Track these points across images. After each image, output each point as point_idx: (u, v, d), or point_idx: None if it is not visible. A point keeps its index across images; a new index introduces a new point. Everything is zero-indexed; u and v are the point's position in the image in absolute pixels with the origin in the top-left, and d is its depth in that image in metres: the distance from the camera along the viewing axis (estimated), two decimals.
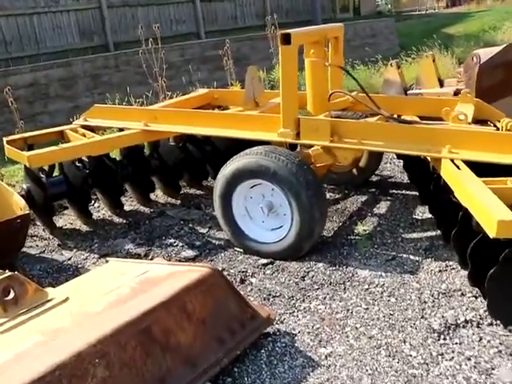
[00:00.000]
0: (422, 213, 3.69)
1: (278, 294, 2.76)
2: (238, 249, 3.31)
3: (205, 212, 4.02)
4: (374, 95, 3.57)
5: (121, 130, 3.99)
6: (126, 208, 4.13)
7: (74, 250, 3.51)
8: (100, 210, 4.24)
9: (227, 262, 3.21)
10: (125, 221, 3.94)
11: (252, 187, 3.16)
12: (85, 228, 3.87)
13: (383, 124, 3.13)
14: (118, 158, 4.12)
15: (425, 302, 2.60)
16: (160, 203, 4.25)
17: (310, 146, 3.37)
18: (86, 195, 3.73)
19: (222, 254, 3.30)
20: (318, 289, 2.80)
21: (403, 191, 4.17)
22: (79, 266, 3.30)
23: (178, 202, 4.26)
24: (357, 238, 3.37)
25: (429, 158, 3.01)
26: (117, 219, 3.99)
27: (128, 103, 5.70)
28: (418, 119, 3.56)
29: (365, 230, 3.47)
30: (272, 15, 7.65)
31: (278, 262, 3.12)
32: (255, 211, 3.21)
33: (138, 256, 3.36)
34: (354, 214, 3.76)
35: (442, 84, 5.09)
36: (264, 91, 3.89)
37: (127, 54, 8.28)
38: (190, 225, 3.80)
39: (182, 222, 3.84)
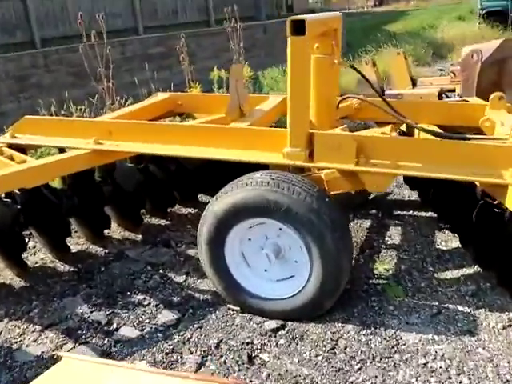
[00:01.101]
0: (445, 241, 3.07)
1: (308, 382, 1.99)
2: (232, 307, 2.51)
3: (176, 251, 3.15)
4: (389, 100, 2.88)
5: (62, 149, 3.05)
6: (73, 248, 3.19)
7: (5, 321, 2.53)
8: (37, 251, 3.26)
9: (221, 328, 2.39)
10: (73, 269, 2.99)
11: (251, 227, 2.37)
12: (18, 282, 2.88)
13: (427, 140, 2.43)
14: (58, 185, 3.17)
15: (508, 382, 1.94)
16: (116, 240, 3.33)
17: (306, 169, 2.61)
18: (18, 240, 2.77)
19: (213, 316, 2.48)
20: (359, 369, 2.05)
21: (410, 212, 3.53)
22: (13, 347, 2.34)
23: (139, 237, 3.36)
24: (381, 282, 2.67)
25: (477, 183, 2.35)
26: (62, 266, 3.03)
27: (68, 112, 4.62)
28: (437, 129, 2.91)
29: (387, 270, 2.78)
30: (215, 10, 6.87)
31: (290, 324, 2.36)
32: (255, 257, 2.42)
33: (97, 324, 2.46)
34: (364, 247, 3.06)
35: (414, 84, 4.59)
36: (249, 96, 3.09)
37: (59, 52, 7.12)
38: (161, 271, 2.93)
39: (149, 268, 2.96)
